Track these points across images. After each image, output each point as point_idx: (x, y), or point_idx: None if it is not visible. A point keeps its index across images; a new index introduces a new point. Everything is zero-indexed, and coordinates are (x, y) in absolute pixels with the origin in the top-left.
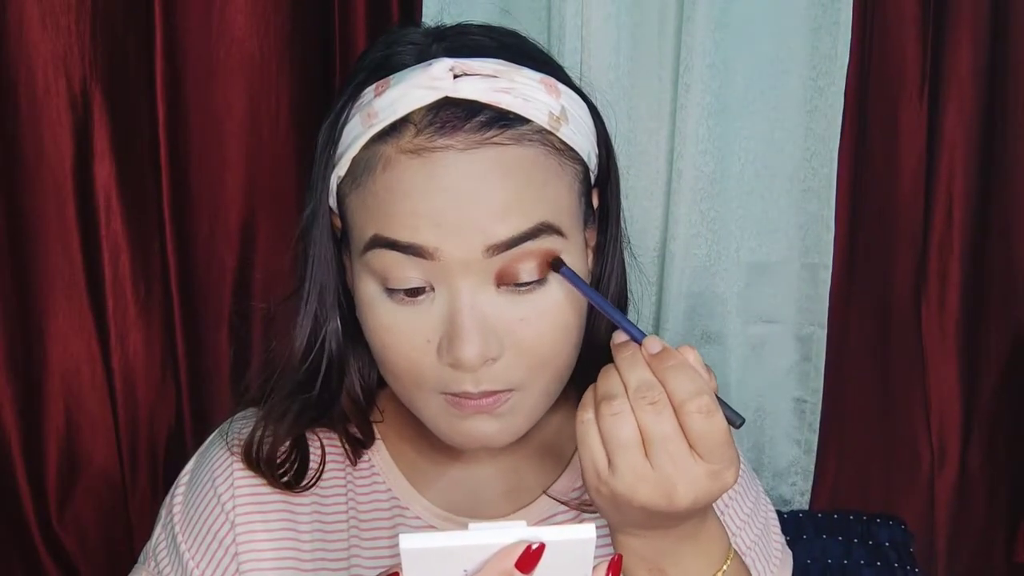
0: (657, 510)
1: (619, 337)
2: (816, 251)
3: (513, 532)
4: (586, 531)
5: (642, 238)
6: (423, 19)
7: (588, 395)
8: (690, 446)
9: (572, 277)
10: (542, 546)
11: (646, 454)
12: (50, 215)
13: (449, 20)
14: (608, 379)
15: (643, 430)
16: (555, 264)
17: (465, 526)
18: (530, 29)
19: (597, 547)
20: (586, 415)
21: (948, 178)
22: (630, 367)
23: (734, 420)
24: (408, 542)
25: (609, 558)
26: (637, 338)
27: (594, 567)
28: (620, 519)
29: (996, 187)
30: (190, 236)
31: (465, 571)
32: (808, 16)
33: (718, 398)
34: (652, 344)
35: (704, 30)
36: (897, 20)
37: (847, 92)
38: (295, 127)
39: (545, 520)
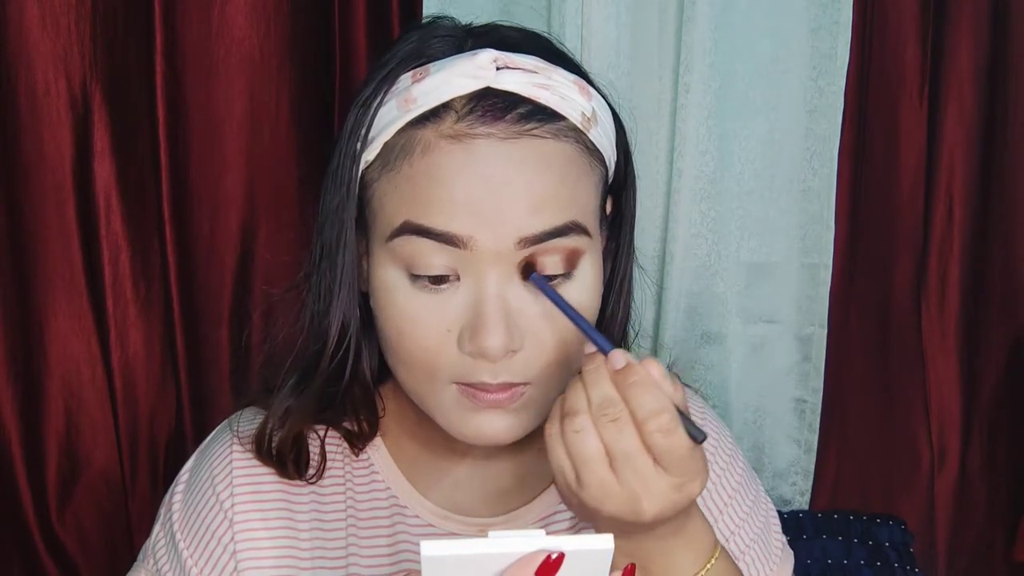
0: (625, 521)
1: (589, 347)
2: (816, 251)
3: (533, 541)
4: (604, 541)
5: (642, 238)
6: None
7: (556, 408)
8: (654, 460)
9: (542, 284)
10: (562, 556)
11: (612, 468)
12: (50, 215)
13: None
14: (573, 393)
15: (607, 446)
16: (525, 271)
17: (467, 526)
18: None
19: None
20: (552, 428)
21: (948, 178)
22: (593, 382)
23: (696, 436)
24: (429, 549)
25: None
26: (605, 349)
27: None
28: (596, 525)
29: (996, 187)
30: (190, 236)
31: None
32: (808, 16)
33: (680, 412)
34: (616, 359)
35: (704, 30)
36: (897, 20)
37: (847, 92)
38: (295, 127)
39: (544, 519)
